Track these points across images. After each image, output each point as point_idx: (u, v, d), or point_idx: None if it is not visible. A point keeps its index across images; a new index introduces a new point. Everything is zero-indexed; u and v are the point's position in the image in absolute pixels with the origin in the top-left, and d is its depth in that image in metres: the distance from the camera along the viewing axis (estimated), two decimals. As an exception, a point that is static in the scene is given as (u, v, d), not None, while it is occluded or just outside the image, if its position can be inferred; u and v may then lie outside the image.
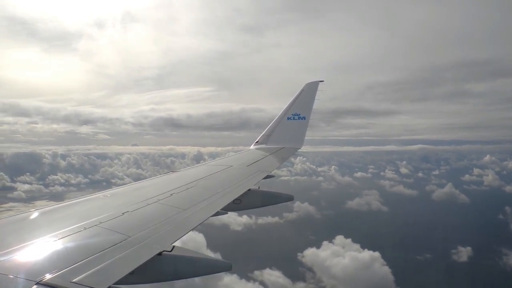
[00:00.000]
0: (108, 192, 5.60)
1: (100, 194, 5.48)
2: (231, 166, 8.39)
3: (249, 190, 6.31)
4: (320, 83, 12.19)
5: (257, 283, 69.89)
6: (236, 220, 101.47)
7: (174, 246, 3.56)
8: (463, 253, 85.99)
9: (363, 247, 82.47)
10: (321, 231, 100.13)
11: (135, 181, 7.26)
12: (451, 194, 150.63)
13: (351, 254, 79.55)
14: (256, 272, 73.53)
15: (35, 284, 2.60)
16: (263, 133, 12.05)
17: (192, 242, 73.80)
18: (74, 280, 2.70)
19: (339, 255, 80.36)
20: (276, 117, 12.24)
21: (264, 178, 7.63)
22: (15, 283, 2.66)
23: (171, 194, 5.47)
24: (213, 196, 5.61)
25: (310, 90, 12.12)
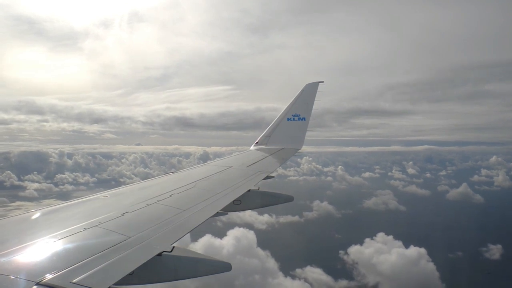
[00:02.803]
0: (108, 193, 5.60)
1: (100, 195, 5.48)
2: (231, 166, 8.39)
3: (249, 190, 6.31)
4: (320, 83, 12.18)
5: (302, 281, 71.10)
6: (258, 219, 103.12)
7: (174, 247, 3.56)
8: (495, 251, 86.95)
9: (398, 245, 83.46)
10: (346, 229, 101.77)
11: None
12: (466, 194, 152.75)
13: (397, 251, 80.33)
14: (298, 270, 74.73)
15: (35, 285, 2.60)
16: (263, 134, 12.04)
17: (245, 239, 75.01)
18: (74, 281, 2.70)
19: (383, 252, 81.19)
20: (276, 118, 12.23)
21: (264, 179, 7.63)
22: (15, 283, 2.66)
23: (171, 195, 5.47)
24: (213, 197, 5.61)
25: (310, 91, 12.10)
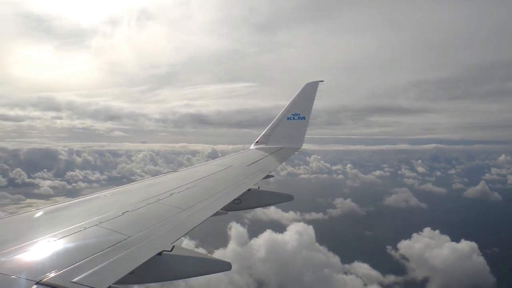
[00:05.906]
0: (108, 192, 5.61)
1: (100, 194, 5.48)
2: (231, 166, 8.40)
3: (249, 190, 6.32)
4: (320, 83, 12.19)
5: (354, 276, 71.97)
6: (284, 216, 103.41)
7: (174, 246, 3.56)
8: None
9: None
10: (374, 226, 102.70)
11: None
12: (484, 192, 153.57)
13: (449, 245, 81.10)
14: (346, 266, 75.48)
15: (35, 284, 2.60)
16: (263, 133, 12.05)
17: (306, 235, 77.73)
18: (74, 280, 2.70)
19: (433, 247, 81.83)
20: (276, 117, 12.24)
21: (264, 178, 7.64)
22: (15, 282, 2.66)
23: (171, 194, 5.47)
24: (213, 196, 5.61)
25: (310, 90, 12.11)
